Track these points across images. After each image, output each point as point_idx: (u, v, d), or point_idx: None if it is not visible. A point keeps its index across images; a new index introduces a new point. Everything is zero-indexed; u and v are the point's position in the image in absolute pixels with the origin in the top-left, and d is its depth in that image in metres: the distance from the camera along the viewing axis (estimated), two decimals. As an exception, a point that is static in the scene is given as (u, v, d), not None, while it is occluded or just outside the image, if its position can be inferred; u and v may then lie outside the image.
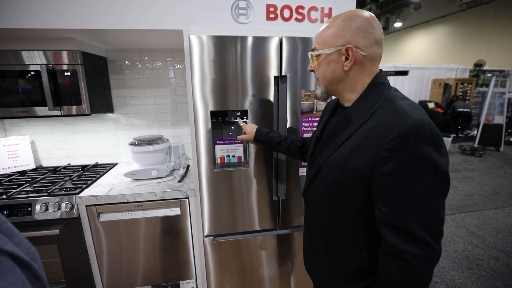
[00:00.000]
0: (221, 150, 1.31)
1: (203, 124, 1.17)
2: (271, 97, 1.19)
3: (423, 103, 7.54)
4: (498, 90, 6.13)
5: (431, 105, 7.35)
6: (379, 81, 0.67)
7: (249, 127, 1.15)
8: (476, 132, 5.66)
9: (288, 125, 1.23)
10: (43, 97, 1.36)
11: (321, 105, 1.24)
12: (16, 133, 1.72)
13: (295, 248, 1.43)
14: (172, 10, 1.19)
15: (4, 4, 1.11)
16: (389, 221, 0.59)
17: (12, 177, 1.54)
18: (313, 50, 0.72)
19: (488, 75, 7.25)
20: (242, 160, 1.33)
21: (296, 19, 1.28)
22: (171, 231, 1.43)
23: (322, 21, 1.30)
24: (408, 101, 0.63)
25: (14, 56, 1.33)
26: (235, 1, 1.22)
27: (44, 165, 1.80)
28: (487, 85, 6.38)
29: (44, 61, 1.35)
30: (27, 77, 1.36)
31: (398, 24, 12.34)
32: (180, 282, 1.52)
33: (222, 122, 1.29)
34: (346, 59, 0.66)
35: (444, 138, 5.07)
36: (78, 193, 1.32)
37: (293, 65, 1.17)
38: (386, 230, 0.60)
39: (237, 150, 1.32)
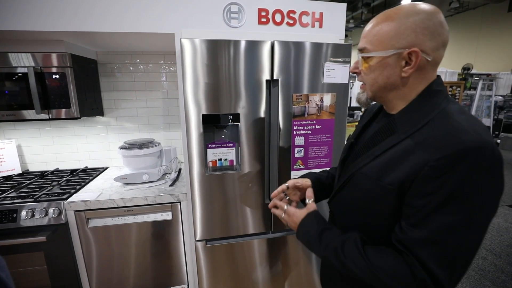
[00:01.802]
0: (213, 154, 1.30)
1: (195, 127, 1.17)
2: (263, 101, 1.19)
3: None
4: (485, 93, 6.31)
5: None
6: (436, 89, 0.57)
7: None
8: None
9: (279, 129, 1.23)
10: (30, 100, 1.33)
11: (313, 109, 1.25)
12: (2, 137, 1.67)
13: (288, 251, 1.43)
14: (164, 13, 1.18)
15: (-11, 6, 1.08)
16: (407, 242, 0.52)
17: (-3, 183, 1.50)
18: (361, 50, 0.61)
19: (476, 78, 7.45)
20: (234, 163, 1.32)
21: (288, 23, 1.28)
22: (163, 236, 1.41)
23: (313, 26, 1.31)
24: (468, 116, 0.53)
25: (1, 58, 1.30)
26: (227, 5, 1.22)
27: (31, 169, 1.76)
28: (475, 88, 6.55)
29: (32, 64, 1.32)
30: (13, 79, 1.32)
31: (389, 28, 12.53)
32: (172, 288, 1.50)
33: (214, 126, 1.29)
34: (407, 63, 0.55)
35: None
36: (66, 199, 1.29)
37: (285, 69, 1.17)
38: (400, 246, 0.54)
39: (229, 154, 1.32)
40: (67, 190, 1.37)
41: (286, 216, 0.77)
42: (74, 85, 1.39)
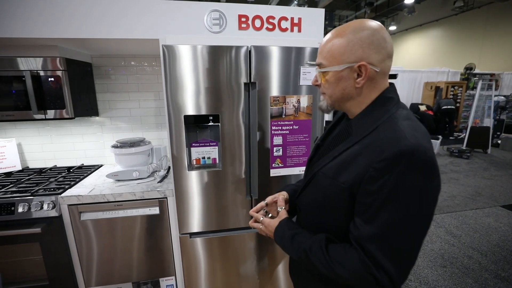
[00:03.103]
0: (197, 152, 1.38)
1: (178, 127, 1.24)
2: (242, 103, 1.26)
3: (414, 106, 7.67)
4: (487, 93, 6.25)
5: (422, 108, 7.48)
6: (387, 96, 0.64)
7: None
8: (465, 134, 5.77)
9: (258, 129, 1.30)
10: (28, 101, 1.43)
11: (290, 110, 1.32)
12: (3, 136, 1.78)
13: (269, 246, 1.50)
14: (149, 20, 1.26)
15: (-11, 15, 1.18)
16: (359, 238, 0.58)
17: (-2, 178, 1.60)
18: (318, 65, 0.67)
19: (476, 78, 7.38)
20: (217, 161, 1.40)
21: (267, 28, 1.35)
22: (151, 230, 1.49)
23: (292, 30, 1.38)
24: (412, 122, 0.60)
25: (1, 63, 1.40)
26: (209, 12, 1.29)
27: (31, 166, 1.86)
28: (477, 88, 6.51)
29: (29, 68, 1.42)
30: (12, 82, 1.42)
31: (393, 28, 12.50)
32: (160, 279, 1.58)
33: (197, 126, 1.36)
34: (358, 75, 0.61)
35: (433, 141, 5.15)
36: (60, 193, 1.38)
37: (262, 72, 1.24)
38: (355, 244, 0.59)
39: (212, 152, 1.39)
40: (62, 186, 1.46)
41: (263, 227, 0.83)
42: (68, 87, 1.49)
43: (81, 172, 1.74)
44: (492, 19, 10.12)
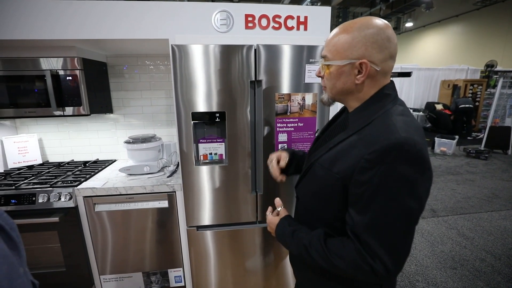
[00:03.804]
0: (204, 148, 1.42)
1: (186, 124, 1.29)
2: (248, 100, 1.30)
3: (430, 105, 7.44)
4: (509, 91, 5.96)
5: (439, 107, 7.24)
6: (385, 93, 0.66)
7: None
8: (483, 135, 5.54)
9: (263, 126, 1.33)
10: (48, 99, 1.52)
11: (295, 107, 1.34)
12: (26, 131, 1.90)
13: (274, 240, 1.53)
14: (160, 21, 1.32)
15: (11, 18, 1.27)
16: (354, 228, 0.60)
17: (21, 171, 1.72)
18: (323, 57, 0.69)
19: (497, 76, 7.05)
20: (224, 157, 1.44)
21: (273, 27, 1.37)
22: (160, 222, 1.55)
23: (298, 29, 1.39)
24: (405, 117, 0.61)
25: (23, 63, 1.50)
26: (216, 12, 1.33)
27: (50, 160, 1.98)
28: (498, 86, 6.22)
29: (49, 67, 1.51)
30: (35, 81, 1.52)
31: (409, 24, 12.12)
32: (168, 270, 1.65)
33: (204, 123, 1.41)
34: (359, 72, 0.63)
35: (448, 141, 4.96)
36: (76, 185, 1.47)
37: (268, 71, 1.27)
38: (351, 235, 0.61)
39: (218, 148, 1.43)
40: (78, 179, 1.55)
41: (268, 227, 0.89)
42: (85, 86, 1.57)
43: (96, 166, 1.83)
44: (516, 13, 9.60)
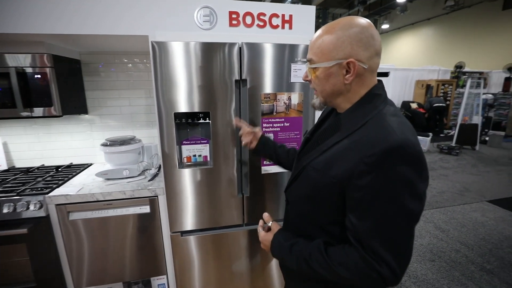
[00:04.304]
0: (188, 150, 1.37)
1: (168, 125, 1.23)
2: (233, 100, 1.26)
3: (406, 104, 7.79)
4: (476, 91, 6.38)
5: (413, 106, 7.60)
6: (376, 93, 0.65)
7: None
8: (454, 132, 5.89)
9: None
10: (13, 99, 1.39)
11: (281, 107, 1.32)
12: (-12, 134, 1.73)
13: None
14: (139, 16, 1.24)
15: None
16: (357, 234, 0.58)
17: (-17, 178, 1.56)
18: (308, 61, 0.68)
19: (465, 76, 7.52)
20: (208, 159, 1.39)
21: (258, 25, 1.35)
22: (142, 229, 1.48)
23: (283, 28, 1.38)
24: (399, 118, 0.61)
25: (-17, 59, 1.36)
26: (199, 9, 1.28)
27: (17, 166, 1.82)
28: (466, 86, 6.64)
29: (15, 64, 1.38)
30: (-3, 79, 1.38)
31: (385, 26, 12.63)
32: (151, 278, 1.57)
33: (187, 124, 1.35)
34: (347, 72, 0.62)
35: (423, 138, 5.21)
36: (48, 193, 1.36)
37: (252, 69, 1.24)
38: (354, 241, 0.59)
39: (203, 150, 1.38)
40: (49, 185, 1.43)
41: (261, 244, 0.83)
42: (56, 85, 1.45)
43: (70, 171, 1.71)
44: (481, 18, 10.31)
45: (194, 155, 1.38)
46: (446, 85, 8.02)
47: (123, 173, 1.55)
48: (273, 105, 1.31)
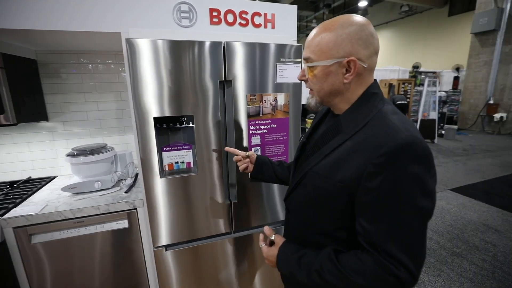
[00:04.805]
0: (169, 157, 1.27)
1: (147, 130, 1.13)
2: (218, 102, 1.19)
3: (372, 102, 8.25)
4: (432, 89, 6.98)
5: (379, 103, 8.08)
6: (373, 92, 0.64)
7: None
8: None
9: (235, 129, 1.24)
10: (-48, 106, 1.17)
11: (267, 108, 1.28)
12: None
13: (252, 249, 1.45)
14: (108, 10, 1.11)
15: None
16: (371, 238, 0.56)
17: None
18: (306, 59, 0.66)
19: (423, 76, 8.20)
20: (192, 166, 1.31)
21: (240, 24, 1.29)
22: (120, 245, 1.34)
23: (265, 27, 1.34)
24: (399, 116, 0.60)
25: None
26: (176, 4, 1.19)
27: (-39, 184, 1.55)
28: (423, 85, 7.23)
29: (-48, 65, 1.17)
30: None
31: (348, 29, 13.25)
32: (133, 299, 1.44)
33: (168, 128, 1.25)
34: (347, 71, 0.61)
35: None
36: (2, 214, 1.16)
37: (238, 70, 1.18)
38: (368, 246, 0.57)
39: (185, 156, 1.29)
40: (4, 205, 1.23)
41: (266, 260, 0.77)
42: (7, 88, 1.26)
43: (29, 187, 1.49)
44: (431, 23, 11.35)
45: (177, 162, 1.29)
46: (406, 84, 8.67)
47: (95, 185, 1.39)
48: (259, 106, 1.26)
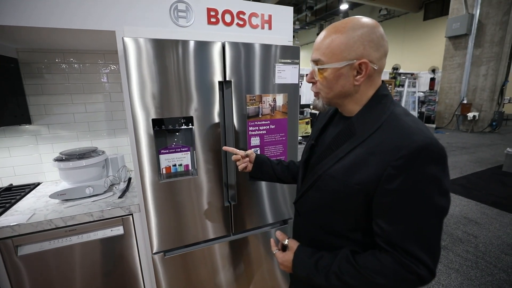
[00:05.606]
0: (166, 160, 1.23)
1: (144, 133, 1.09)
2: (217, 103, 1.17)
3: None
4: (411, 89, 7.31)
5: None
6: (383, 93, 0.64)
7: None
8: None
9: (234, 130, 1.23)
10: None
11: (266, 109, 1.28)
12: None
13: (251, 251, 1.44)
14: (103, 8, 1.06)
15: None
16: (390, 238, 0.57)
17: None
18: (315, 62, 0.65)
19: (403, 77, 8.55)
20: (190, 168, 1.28)
21: (238, 24, 1.28)
22: (115, 253, 1.28)
23: (262, 28, 1.34)
24: (412, 117, 0.61)
25: None
26: (173, 3, 1.16)
27: None
28: (403, 86, 7.55)
29: None
30: None
31: (331, 31, 13.57)
32: (129, 308, 1.38)
33: (165, 130, 1.22)
34: (358, 73, 0.61)
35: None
36: (-16, 226, 1.08)
37: (237, 70, 1.17)
38: (387, 246, 0.58)
39: (183, 159, 1.26)
40: (-15, 215, 1.14)
41: (280, 266, 0.75)
42: (-13, 89, 1.17)
43: (11, 194, 1.39)
44: (408, 26, 11.90)
45: (174, 165, 1.25)
46: (387, 85, 9.02)
47: (86, 191, 1.32)
48: (259, 107, 1.26)
